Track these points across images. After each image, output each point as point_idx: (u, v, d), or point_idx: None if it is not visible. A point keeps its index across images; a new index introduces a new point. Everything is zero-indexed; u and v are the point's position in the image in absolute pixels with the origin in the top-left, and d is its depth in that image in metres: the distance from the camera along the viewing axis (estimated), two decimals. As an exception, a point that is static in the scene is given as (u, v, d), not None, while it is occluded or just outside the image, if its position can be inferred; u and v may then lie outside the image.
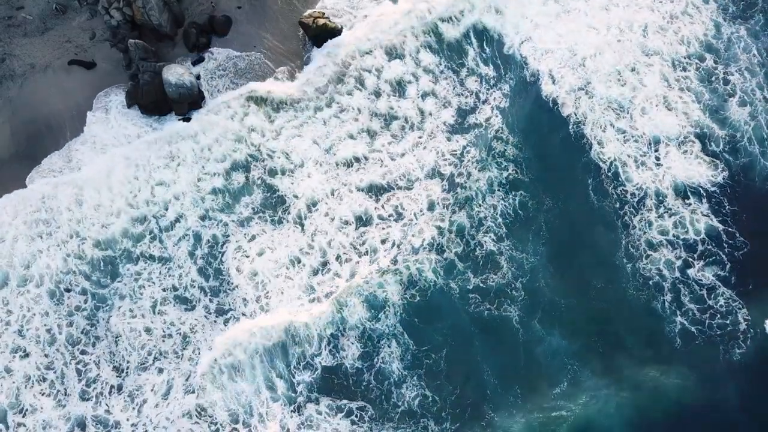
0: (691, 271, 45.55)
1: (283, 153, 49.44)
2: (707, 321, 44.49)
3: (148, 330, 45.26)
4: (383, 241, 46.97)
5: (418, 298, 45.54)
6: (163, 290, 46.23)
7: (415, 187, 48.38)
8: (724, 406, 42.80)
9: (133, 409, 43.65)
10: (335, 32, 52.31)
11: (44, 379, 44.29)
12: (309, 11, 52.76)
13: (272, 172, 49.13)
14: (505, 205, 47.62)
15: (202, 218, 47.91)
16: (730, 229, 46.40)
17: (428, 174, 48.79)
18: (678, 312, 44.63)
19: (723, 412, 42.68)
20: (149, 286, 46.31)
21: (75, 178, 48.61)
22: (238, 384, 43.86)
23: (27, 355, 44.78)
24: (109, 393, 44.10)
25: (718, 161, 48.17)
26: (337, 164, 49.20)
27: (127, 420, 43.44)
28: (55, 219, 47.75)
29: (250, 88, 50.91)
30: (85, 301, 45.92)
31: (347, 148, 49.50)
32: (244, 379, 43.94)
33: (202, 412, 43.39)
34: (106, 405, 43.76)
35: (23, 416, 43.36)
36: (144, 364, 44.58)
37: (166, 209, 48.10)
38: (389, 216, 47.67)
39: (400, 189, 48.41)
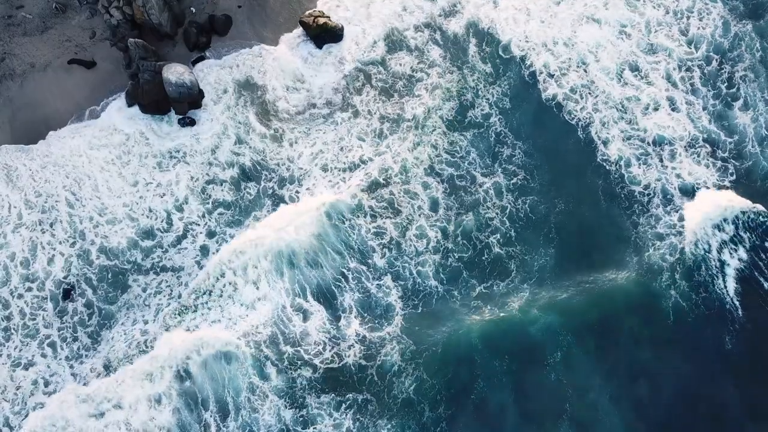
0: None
1: (288, 159, 49.08)
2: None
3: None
4: (378, 234, 46.79)
5: (421, 308, 45.21)
6: (170, 300, 45.89)
7: (417, 188, 48.22)
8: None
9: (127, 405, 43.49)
10: (336, 31, 52.14)
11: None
12: (309, 10, 52.67)
13: (281, 181, 48.62)
14: (514, 209, 47.40)
15: (210, 234, 47.28)
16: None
17: (429, 173, 48.66)
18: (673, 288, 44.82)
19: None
20: (156, 296, 45.82)
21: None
22: (231, 377, 43.59)
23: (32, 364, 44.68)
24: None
25: (721, 161, 48.05)
26: (343, 170, 48.83)
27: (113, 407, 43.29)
28: (55, 208, 47.63)
29: (246, 80, 51.08)
30: (90, 316, 45.37)
31: (354, 150, 49.33)
32: (238, 370, 43.60)
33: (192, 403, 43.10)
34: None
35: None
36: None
37: (171, 223, 47.50)
38: (389, 216, 47.46)
39: (400, 187, 48.20)
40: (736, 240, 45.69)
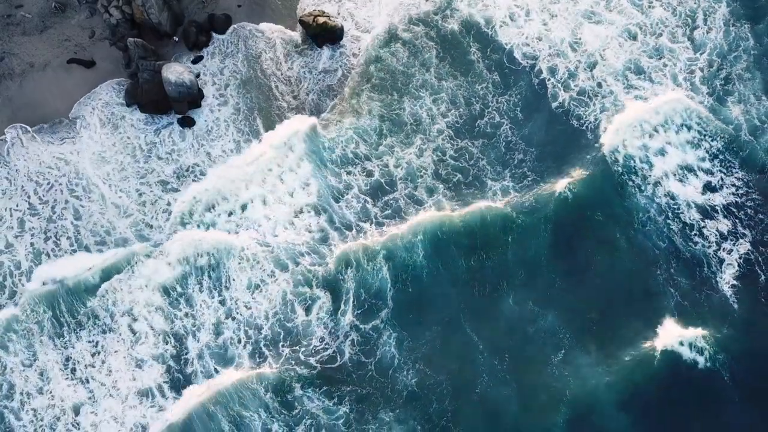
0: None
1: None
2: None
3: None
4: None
5: (410, 288, 45.21)
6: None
7: (424, 192, 48.10)
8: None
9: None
10: (336, 30, 52.03)
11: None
12: (309, 9, 52.59)
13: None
14: (518, 205, 47.39)
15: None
16: (731, 220, 46.67)
17: (435, 176, 48.56)
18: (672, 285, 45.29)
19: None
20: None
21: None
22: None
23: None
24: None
25: (720, 156, 48.31)
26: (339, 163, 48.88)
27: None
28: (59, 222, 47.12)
29: (245, 81, 50.82)
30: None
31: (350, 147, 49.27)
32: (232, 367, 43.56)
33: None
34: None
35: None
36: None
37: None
38: (390, 219, 47.29)
39: (405, 189, 48.07)
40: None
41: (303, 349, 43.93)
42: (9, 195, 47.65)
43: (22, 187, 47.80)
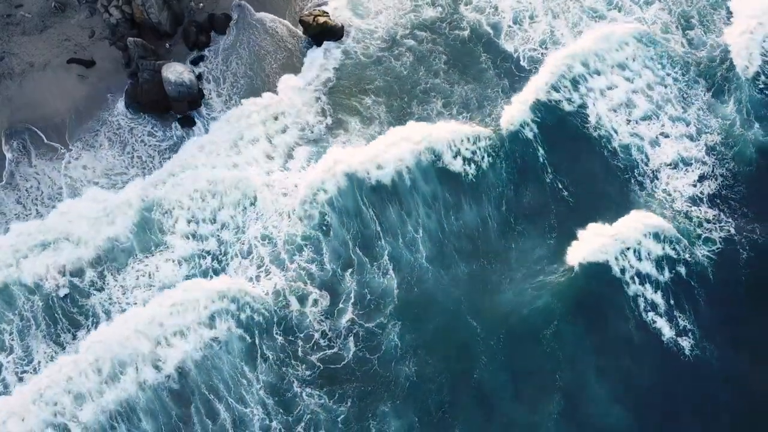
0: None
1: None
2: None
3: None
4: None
5: (415, 290, 44.91)
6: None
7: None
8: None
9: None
10: (336, 30, 52.02)
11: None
12: (309, 9, 52.61)
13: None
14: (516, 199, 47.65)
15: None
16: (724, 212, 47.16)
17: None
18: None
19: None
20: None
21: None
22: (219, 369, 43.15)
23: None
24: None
25: (716, 153, 48.96)
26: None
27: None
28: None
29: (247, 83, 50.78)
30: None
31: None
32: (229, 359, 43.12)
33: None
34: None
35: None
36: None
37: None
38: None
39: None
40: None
41: (302, 343, 43.61)
42: (23, 218, 46.89)
43: (37, 210, 47.06)
